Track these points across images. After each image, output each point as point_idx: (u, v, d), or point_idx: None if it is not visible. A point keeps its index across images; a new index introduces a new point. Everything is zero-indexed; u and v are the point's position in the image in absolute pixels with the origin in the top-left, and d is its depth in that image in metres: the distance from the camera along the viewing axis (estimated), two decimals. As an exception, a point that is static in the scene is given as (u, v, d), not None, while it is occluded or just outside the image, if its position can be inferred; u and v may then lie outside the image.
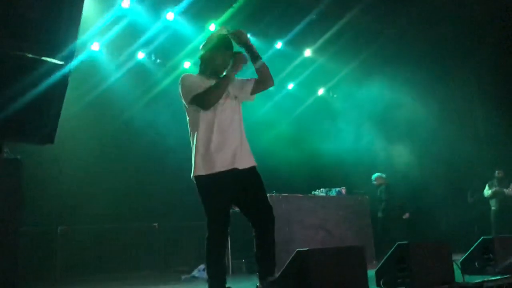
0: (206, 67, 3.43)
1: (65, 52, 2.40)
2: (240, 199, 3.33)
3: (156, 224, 9.37)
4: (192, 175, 3.29)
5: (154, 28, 8.79)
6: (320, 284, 3.31)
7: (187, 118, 3.40)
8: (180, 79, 3.33)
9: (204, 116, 3.23)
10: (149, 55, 9.42)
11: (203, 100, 3.18)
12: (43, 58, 2.31)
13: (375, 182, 9.81)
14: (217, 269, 3.20)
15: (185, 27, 9.17)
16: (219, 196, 3.20)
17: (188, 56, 9.79)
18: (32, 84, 2.28)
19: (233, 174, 3.23)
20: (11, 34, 2.33)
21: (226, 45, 3.38)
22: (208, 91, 3.18)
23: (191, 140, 3.34)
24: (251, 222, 3.36)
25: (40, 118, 2.40)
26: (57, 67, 2.32)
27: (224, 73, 3.24)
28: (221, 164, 3.20)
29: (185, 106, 3.35)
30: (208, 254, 3.19)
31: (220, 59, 3.35)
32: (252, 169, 3.38)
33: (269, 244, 3.32)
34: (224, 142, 3.24)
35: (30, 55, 2.34)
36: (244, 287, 4.96)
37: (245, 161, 3.34)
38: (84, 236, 8.68)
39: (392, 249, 4.25)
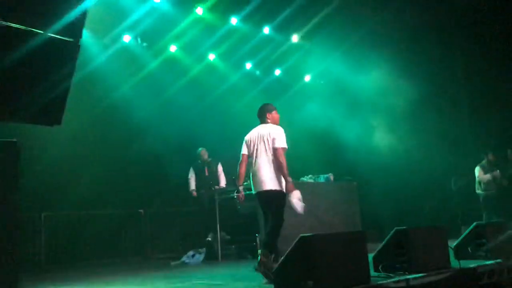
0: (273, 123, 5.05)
1: (72, 29, 2.28)
2: None
3: (142, 210, 9.26)
4: (277, 187, 4.83)
5: (140, 10, 8.56)
6: (324, 268, 3.29)
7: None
8: (282, 131, 4.91)
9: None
10: (135, 38, 9.21)
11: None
12: (51, 35, 2.19)
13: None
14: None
15: (172, 9, 8.96)
16: None
17: (174, 40, 9.59)
18: (40, 61, 2.17)
19: None
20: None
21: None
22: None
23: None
24: None
25: (47, 99, 2.29)
26: (66, 44, 2.21)
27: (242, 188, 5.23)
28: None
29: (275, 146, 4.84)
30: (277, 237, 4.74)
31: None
32: None
33: None
34: None
35: (36, 30, 2.22)
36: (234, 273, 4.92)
37: None
38: (68, 221, 8.53)
39: (390, 234, 4.26)
